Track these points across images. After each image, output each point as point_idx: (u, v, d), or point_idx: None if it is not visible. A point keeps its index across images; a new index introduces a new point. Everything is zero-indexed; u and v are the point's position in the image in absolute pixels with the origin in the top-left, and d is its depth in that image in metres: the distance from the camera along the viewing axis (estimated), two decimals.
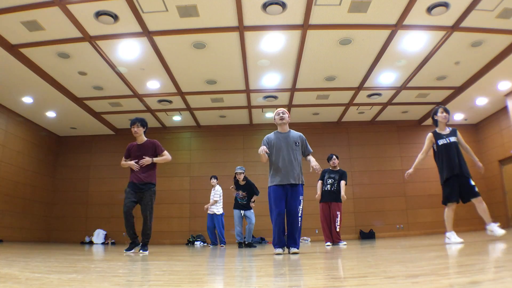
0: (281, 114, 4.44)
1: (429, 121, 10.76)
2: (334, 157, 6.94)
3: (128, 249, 4.73)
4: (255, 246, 7.37)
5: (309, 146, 4.48)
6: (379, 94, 9.54)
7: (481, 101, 9.74)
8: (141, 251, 4.69)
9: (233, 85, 8.87)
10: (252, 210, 7.64)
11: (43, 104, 9.34)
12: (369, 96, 9.63)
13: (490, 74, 8.06)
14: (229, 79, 8.54)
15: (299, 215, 4.21)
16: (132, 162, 4.84)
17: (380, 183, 11.11)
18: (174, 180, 11.18)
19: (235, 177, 7.63)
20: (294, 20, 6.27)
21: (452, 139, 4.57)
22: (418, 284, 1.44)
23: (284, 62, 7.76)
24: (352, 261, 2.94)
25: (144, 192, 4.75)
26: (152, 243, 6.07)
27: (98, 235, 10.53)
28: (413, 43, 7.02)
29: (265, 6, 5.86)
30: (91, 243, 10.38)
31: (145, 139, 4.96)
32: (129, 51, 7.07)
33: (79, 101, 9.34)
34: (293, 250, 4.14)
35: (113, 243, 10.42)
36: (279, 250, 4.12)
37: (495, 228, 4.38)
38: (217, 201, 8.34)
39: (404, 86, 9.04)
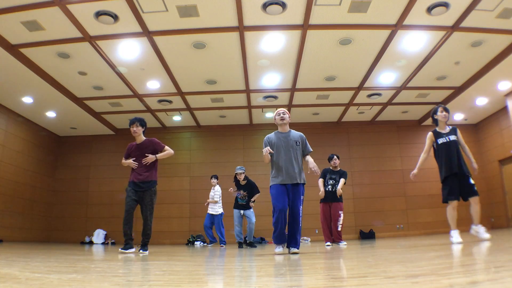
0: (281, 115, 4.45)
1: (429, 121, 10.76)
2: (335, 157, 6.87)
3: (124, 248, 4.64)
4: (255, 246, 7.37)
5: (309, 145, 4.48)
6: (379, 94, 9.54)
7: (481, 101, 9.74)
8: (141, 251, 4.68)
9: (233, 85, 8.87)
10: (252, 210, 7.64)
11: (43, 104, 9.34)
12: (369, 96, 9.63)
13: (490, 74, 8.07)
14: (229, 79, 8.54)
15: (300, 215, 4.22)
16: (131, 161, 4.84)
17: (380, 183, 11.11)
18: (174, 180, 11.18)
19: (235, 177, 7.64)
20: (294, 20, 6.27)
21: (452, 137, 4.57)
22: (418, 284, 1.44)
23: (284, 62, 7.76)
24: (352, 261, 2.94)
25: (144, 192, 4.75)
26: (152, 243, 6.07)
27: (98, 235, 10.53)
28: (413, 43, 7.02)
29: (265, 6, 5.86)
30: (91, 243, 10.38)
31: (144, 138, 4.96)
32: (129, 51, 7.07)
33: (79, 101, 9.34)
34: (293, 250, 4.14)
35: (113, 243, 10.42)
36: (280, 249, 4.11)
37: (481, 231, 4.37)
38: (217, 201, 8.35)
39: (404, 86, 9.04)
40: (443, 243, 4.51)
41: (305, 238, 10.09)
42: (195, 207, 10.79)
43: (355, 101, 9.93)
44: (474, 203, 4.39)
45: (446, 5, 5.83)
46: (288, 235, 4.24)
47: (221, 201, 8.44)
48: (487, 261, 2.16)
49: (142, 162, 4.81)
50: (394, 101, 9.97)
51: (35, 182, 10.53)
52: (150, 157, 4.80)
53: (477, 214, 4.39)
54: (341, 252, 4.21)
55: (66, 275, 2.08)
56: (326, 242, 6.61)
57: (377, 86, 9.09)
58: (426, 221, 10.66)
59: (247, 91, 9.13)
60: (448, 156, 4.49)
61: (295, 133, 4.47)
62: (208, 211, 8.38)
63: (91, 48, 6.86)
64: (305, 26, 6.36)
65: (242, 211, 7.58)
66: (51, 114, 9.98)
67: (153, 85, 8.68)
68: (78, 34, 6.39)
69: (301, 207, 4.22)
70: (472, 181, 4.43)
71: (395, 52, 7.37)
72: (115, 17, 5.98)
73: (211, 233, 8.42)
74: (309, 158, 4.39)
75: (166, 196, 10.68)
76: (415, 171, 4.88)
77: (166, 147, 4.99)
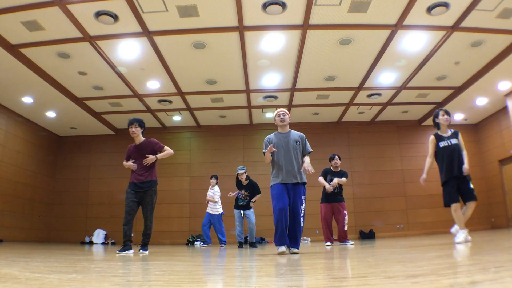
0: (281, 116, 4.45)
1: (429, 121, 10.76)
2: (337, 157, 6.80)
3: (122, 250, 4.59)
4: (256, 246, 7.37)
5: (308, 145, 4.47)
6: (379, 94, 9.54)
7: (481, 101, 9.74)
8: (141, 251, 4.68)
9: (233, 85, 8.87)
10: (252, 210, 7.63)
11: (43, 104, 9.34)
12: (369, 96, 9.63)
13: (490, 74, 8.07)
14: (229, 79, 8.54)
15: (301, 215, 4.21)
16: (130, 163, 4.85)
17: (380, 183, 11.11)
18: (174, 180, 11.18)
19: (237, 177, 7.63)
20: (294, 20, 6.27)
21: (453, 141, 4.59)
22: (418, 284, 1.44)
23: (284, 62, 7.76)
24: (352, 261, 2.94)
25: (145, 192, 4.75)
26: (152, 243, 6.07)
27: (98, 235, 10.53)
28: (413, 43, 7.02)
29: (265, 6, 5.85)
30: (91, 243, 10.38)
31: (143, 139, 4.96)
32: (129, 51, 7.07)
33: (79, 101, 9.34)
34: (294, 250, 4.14)
35: (113, 243, 10.42)
36: (282, 249, 4.04)
37: (461, 234, 4.33)
38: (217, 201, 8.34)
39: (404, 86, 9.04)
40: (443, 243, 4.51)
41: (305, 238, 10.08)
42: (195, 207, 10.79)
43: (355, 101, 9.93)
44: (470, 207, 4.47)
45: (446, 5, 5.83)
46: (288, 234, 4.23)
47: (220, 201, 8.43)
48: (487, 261, 2.16)
49: (143, 163, 4.81)
50: (394, 101, 9.97)
51: (35, 182, 10.52)
52: (151, 158, 4.80)
53: (467, 218, 4.46)
54: (341, 252, 4.21)
55: (66, 275, 2.08)
56: (326, 242, 6.61)
57: (377, 86, 9.09)
58: (426, 221, 10.66)
59: (247, 91, 9.13)
60: (449, 159, 4.52)
61: (295, 133, 4.48)
62: (207, 210, 8.38)
63: (91, 48, 6.86)
64: (305, 26, 6.36)
65: (242, 211, 7.58)
66: (51, 114, 9.98)
67: (153, 85, 8.68)
68: (78, 34, 6.39)
69: (302, 207, 4.20)
70: (471, 186, 4.49)
71: (395, 52, 7.37)
72: (115, 17, 5.98)
73: (208, 232, 8.42)
74: (306, 158, 4.36)
75: (166, 196, 10.68)
76: (424, 176, 4.87)
77: (166, 147, 4.99)
